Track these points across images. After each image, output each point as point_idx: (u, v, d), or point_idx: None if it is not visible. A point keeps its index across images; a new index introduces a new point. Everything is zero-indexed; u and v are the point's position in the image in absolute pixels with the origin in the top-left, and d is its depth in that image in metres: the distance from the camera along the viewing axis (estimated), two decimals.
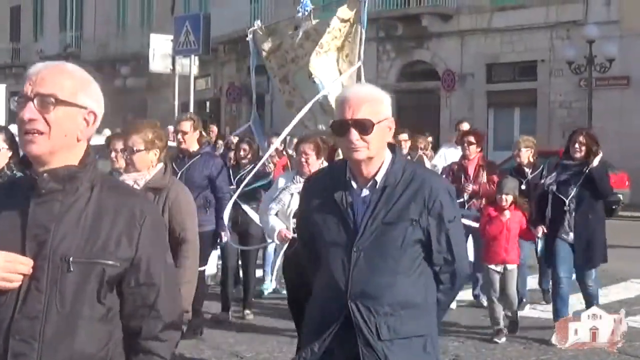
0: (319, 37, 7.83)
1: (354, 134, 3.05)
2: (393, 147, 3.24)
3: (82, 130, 2.26)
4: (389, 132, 3.16)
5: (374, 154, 3.11)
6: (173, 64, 14.90)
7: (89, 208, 2.23)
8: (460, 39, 27.50)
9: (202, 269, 6.80)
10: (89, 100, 2.26)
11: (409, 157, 9.53)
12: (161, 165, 4.85)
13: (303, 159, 6.11)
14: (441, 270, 3.20)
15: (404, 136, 9.79)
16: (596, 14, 24.31)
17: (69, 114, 2.22)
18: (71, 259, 2.17)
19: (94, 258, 2.20)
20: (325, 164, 6.07)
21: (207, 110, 35.01)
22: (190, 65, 13.53)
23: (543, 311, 8.49)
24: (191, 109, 12.50)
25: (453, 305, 8.36)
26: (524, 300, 8.82)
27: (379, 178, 3.13)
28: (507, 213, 7.52)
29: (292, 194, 6.06)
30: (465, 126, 10.50)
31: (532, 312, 8.68)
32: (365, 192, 3.13)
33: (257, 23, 8.64)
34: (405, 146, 9.75)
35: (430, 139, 13.74)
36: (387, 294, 3.08)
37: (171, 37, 14.02)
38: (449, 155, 10.74)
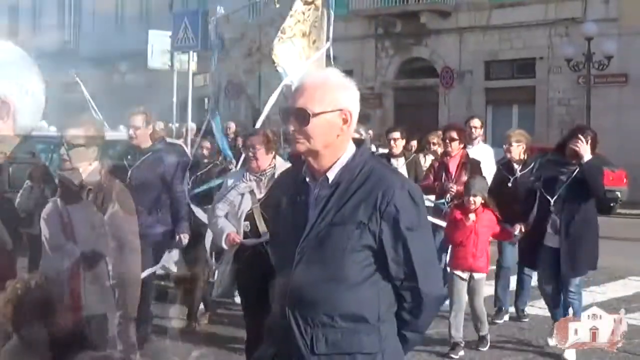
0: (282, 21, 7.39)
1: (290, 125, 2.78)
2: (360, 142, 2.92)
3: None
4: (342, 124, 2.79)
5: (318, 148, 2.78)
6: (171, 60, 14.85)
7: None
8: (458, 36, 27.49)
9: (151, 270, 6.60)
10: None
11: (403, 157, 8.95)
12: (97, 162, 4.67)
13: (251, 154, 5.61)
14: (402, 286, 2.80)
15: (395, 134, 9.02)
16: (595, 12, 24.32)
17: None
18: None
19: None
20: (278, 158, 5.67)
21: (206, 107, 34.94)
22: (188, 61, 13.47)
23: (541, 308, 8.36)
24: (189, 106, 12.42)
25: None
26: (503, 309, 8.37)
27: (331, 174, 2.80)
28: (472, 216, 6.98)
29: (242, 194, 5.56)
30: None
31: (530, 310, 8.57)
32: (317, 189, 2.83)
33: (221, 11, 8.17)
34: (396, 145, 8.96)
35: (439, 132, 13.09)
36: (326, 302, 2.74)
37: (169, 33, 13.97)
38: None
